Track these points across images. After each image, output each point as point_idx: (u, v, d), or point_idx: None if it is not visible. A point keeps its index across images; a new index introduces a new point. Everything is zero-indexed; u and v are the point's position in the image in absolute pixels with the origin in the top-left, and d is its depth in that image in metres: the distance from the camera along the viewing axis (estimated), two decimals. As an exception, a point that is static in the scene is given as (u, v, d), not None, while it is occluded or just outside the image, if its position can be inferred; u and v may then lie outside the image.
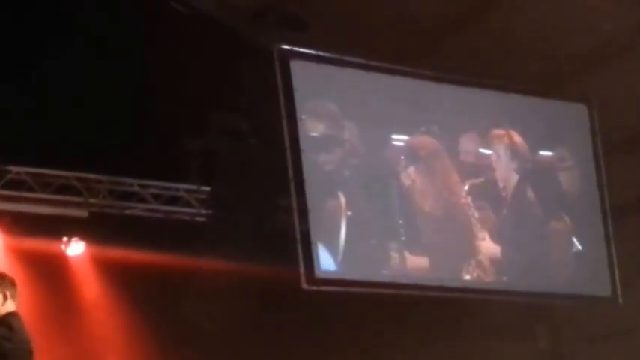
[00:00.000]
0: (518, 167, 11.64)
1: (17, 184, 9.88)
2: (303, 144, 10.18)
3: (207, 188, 10.68)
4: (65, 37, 9.44)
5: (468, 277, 11.09)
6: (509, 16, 10.39)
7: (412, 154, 11.03)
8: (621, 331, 11.71)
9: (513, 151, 11.57)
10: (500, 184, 11.52)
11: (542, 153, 11.91)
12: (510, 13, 10.38)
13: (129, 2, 9.53)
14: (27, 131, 9.25)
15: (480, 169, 11.43)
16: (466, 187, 11.21)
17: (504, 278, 11.34)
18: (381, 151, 10.81)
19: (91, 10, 9.48)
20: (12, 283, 5.83)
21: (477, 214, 11.20)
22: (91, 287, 10.30)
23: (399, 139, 10.97)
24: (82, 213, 10.12)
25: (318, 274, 10.05)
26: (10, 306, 5.74)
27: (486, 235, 11.24)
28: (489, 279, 11.21)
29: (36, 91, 9.43)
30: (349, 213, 10.40)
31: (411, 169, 10.90)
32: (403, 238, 10.74)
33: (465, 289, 11.10)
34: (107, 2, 9.52)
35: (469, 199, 11.20)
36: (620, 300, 11.86)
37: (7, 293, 5.74)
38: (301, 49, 10.20)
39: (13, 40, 9.30)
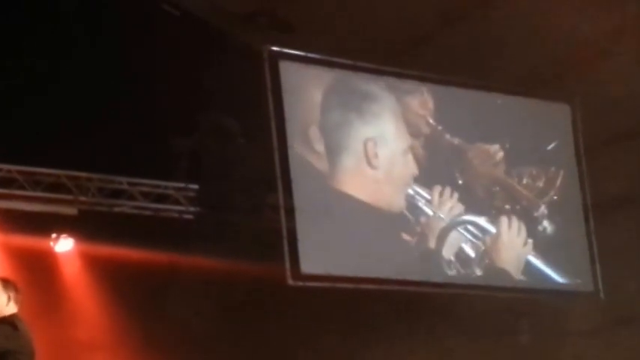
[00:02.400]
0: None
1: (7, 182, 9.93)
2: (291, 143, 10.23)
3: (196, 186, 10.74)
4: (54, 37, 9.45)
5: (451, 272, 11.17)
6: (491, 18, 10.46)
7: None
8: (607, 326, 11.79)
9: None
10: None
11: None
12: (493, 14, 10.45)
13: (120, 3, 9.54)
14: (17, 129, 9.28)
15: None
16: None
17: (486, 274, 11.43)
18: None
19: (81, 10, 9.53)
20: (16, 289, 6.05)
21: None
22: (79, 284, 10.32)
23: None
24: (72, 210, 10.16)
25: (304, 269, 10.11)
26: (12, 308, 5.95)
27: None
28: (472, 274, 11.30)
29: (26, 90, 9.47)
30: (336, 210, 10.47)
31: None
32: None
33: (448, 285, 11.18)
34: (98, 3, 9.54)
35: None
36: (602, 295, 11.99)
37: (11, 295, 5.97)
38: (290, 51, 10.25)
39: (1, 36, 9.34)
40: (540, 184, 11.98)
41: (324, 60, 10.47)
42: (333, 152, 10.52)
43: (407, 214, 10.91)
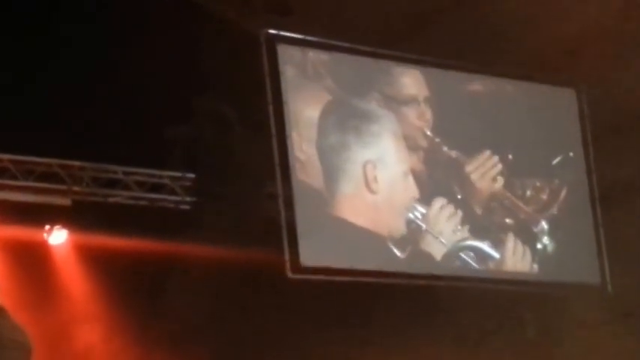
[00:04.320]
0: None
1: (-1, 172, 9.80)
2: (290, 130, 10.10)
3: (192, 175, 10.61)
4: (43, 20, 9.34)
5: (456, 264, 11.03)
6: (494, 1, 10.33)
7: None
8: (614, 320, 11.66)
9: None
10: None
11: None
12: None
13: None
14: (8, 118, 9.09)
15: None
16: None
17: (492, 266, 11.29)
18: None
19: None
20: None
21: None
22: (73, 275, 10.20)
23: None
24: (65, 201, 10.05)
25: (304, 262, 10.00)
26: None
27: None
28: (477, 267, 11.12)
29: (18, 78, 9.32)
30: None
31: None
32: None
33: (453, 278, 11.04)
34: None
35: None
36: (610, 288, 11.86)
37: None
38: (288, 34, 10.16)
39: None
40: (546, 186, 11.88)
41: (322, 43, 10.34)
42: (331, 177, 10.40)
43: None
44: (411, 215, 10.79)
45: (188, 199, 10.60)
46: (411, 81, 11.04)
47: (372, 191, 10.55)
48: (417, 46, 10.83)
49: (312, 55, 10.36)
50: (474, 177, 11.32)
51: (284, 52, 10.09)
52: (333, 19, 10.20)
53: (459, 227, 11.09)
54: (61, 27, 9.38)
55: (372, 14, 10.17)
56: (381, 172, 10.61)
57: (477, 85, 11.50)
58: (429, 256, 10.88)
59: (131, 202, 10.38)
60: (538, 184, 11.81)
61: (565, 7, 10.37)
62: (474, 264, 11.17)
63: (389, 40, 10.63)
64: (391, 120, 10.84)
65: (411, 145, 10.91)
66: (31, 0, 9.41)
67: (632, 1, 10.64)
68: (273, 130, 10.00)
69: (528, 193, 11.72)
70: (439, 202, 10.99)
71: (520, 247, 11.49)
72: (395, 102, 10.89)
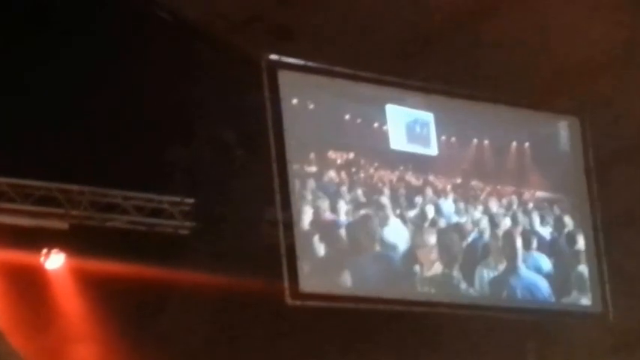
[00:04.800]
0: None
1: (-3, 195, 9.74)
2: (290, 155, 10.04)
3: (192, 200, 10.55)
4: (46, 46, 9.29)
5: (457, 291, 10.93)
6: (499, 29, 10.31)
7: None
8: (616, 348, 11.60)
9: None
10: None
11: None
12: (501, 25, 10.29)
13: (114, 10, 9.38)
14: (6, 141, 9.09)
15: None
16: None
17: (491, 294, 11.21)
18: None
19: (74, 18, 9.35)
20: None
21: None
22: (70, 301, 10.14)
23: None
24: (63, 225, 10.00)
25: (303, 288, 9.92)
26: None
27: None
28: (476, 294, 11.06)
29: (17, 101, 9.28)
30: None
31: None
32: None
33: (451, 305, 10.94)
34: (91, 10, 9.37)
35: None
36: (611, 316, 11.77)
37: None
38: (290, 59, 10.09)
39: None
40: (549, 214, 11.83)
41: (324, 69, 10.28)
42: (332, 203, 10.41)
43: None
44: (411, 242, 10.74)
45: (187, 224, 10.54)
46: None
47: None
48: (418, 72, 10.77)
49: (314, 80, 10.30)
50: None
51: (285, 77, 10.02)
52: (334, 45, 10.15)
53: (461, 256, 11.02)
54: (61, 49, 9.34)
55: (373, 40, 10.14)
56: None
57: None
58: (430, 283, 10.80)
59: (130, 226, 10.32)
60: (541, 213, 11.75)
61: (569, 36, 10.35)
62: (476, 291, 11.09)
63: (391, 67, 10.57)
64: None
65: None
66: (31, 21, 9.33)
67: (638, 30, 10.59)
68: (274, 156, 9.91)
69: (531, 221, 11.67)
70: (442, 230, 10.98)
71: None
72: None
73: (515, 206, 11.55)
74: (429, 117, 11.11)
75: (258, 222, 10.42)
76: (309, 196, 10.23)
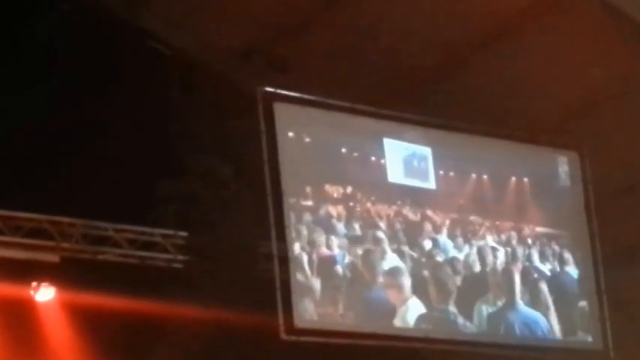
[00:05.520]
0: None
1: (-14, 227, 9.66)
2: (286, 189, 9.93)
3: (185, 233, 10.49)
4: (38, 76, 9.29)
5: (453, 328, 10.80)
6: (497, 63, 10.35)
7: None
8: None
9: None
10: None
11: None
12: (498, 59, 10.33)
13: (107, 41, 9.38)
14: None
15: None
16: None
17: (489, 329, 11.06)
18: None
19: (65, 47, 9.34)
20: None
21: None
22: (60, 335, 10.04)
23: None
24: (54, 257, 9.93)
25: (298, 324, 9.80)
26: None
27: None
28: (474, 329, 10.94)
29: (8, 133, 9.27)
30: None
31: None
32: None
33: (448, 341, 10.81)
34: (83, 40, 9.34)
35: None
36: (612, 354, 11.61)
37: None
38: (286, 92, 9.99)
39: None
40: (547, 250, 11.71)
41: (320, 102, 10.19)
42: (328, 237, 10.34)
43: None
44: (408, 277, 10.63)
45: (180, 257, 10.48)
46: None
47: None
48: (417, 106, 10.72)
49: (310, 113, 10.23)
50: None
51: (281, 110, 9.94)
52: (332, 77, 10.11)
53: (459, 291, 10.91)
54: (52, 81, 9.34)
55: (371, 75, 10.13)
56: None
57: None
58: (427, 319, 10.69)
59: (121, 259, 10.24)
60: (541, 248, 11.64)
61: (569, 70, 10.35)
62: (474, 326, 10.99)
63: (389, 98, 10.52)
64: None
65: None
66: (28, 61, 9.31)
67: (636, 66, 10.59)
68: (269, 190, 9.80)
69: (530, 256, 11.56)
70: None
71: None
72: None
73: (514, 242, 11.47)
74: (426, 151, 11.03)
75: (252, 256, 10.39)
76: (305, 231, 10.11)
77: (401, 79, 10.46)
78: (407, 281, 10.58)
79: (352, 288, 10.26)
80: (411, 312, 10.55)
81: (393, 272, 10.54)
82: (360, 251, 10.41)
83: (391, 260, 10.56)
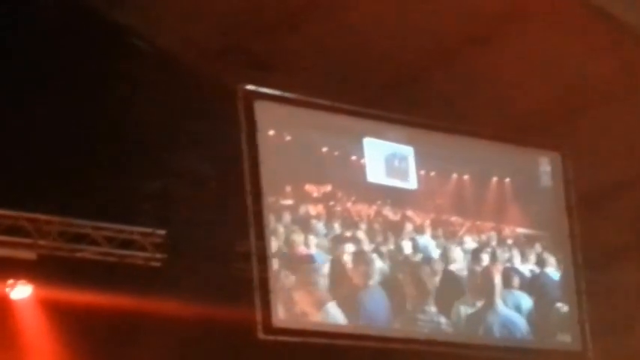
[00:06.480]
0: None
1: (-39, 224, 9.59)
2: (266, 188, 9.93)
3: (163, 232, 10.35)
4: (16, 77, 9.21)
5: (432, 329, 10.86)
6: (480, 64, 10.36)
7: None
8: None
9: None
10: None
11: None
12: (480, 59, 10.34)
13: (85, 39, 9.32)
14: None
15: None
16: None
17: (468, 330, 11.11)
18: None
19: (45, 47, 9.28)
20: None
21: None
22: (37, 333, 9.90)
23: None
24: (31, 255, 9.78)
25: (276, 323, 9.82)
26: None
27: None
28: (452, 330, 10.98)
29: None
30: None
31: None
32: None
33: (429, 342, 10.81)
34: (61, 38, 9.30)
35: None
36: (591, 354, 11.69)
37: None
38: (266, 90, 9.99)
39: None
40: (528, 251, 11.77)
41: (301, 100, 10.19)
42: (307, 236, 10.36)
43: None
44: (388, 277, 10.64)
45: (158, 255, 10.33)
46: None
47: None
48: (400, 105, 10.69)
49: (291, 112, 10.20)
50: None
51: (261, 108, 9.92)
52: (313, 75, 10.08)
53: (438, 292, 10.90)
54: (31, 80, 9.26)
55: (354, 72, 10.11)
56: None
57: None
58: (406, 319, 10.70)
59: (99, 257, 10.09)
60: (521, 249, 11.67)
61: (552, 72, 10.35)
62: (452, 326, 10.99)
63: (370, 98, 10.49)
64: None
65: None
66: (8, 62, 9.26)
67: (624, 68, 10.67)
68: (249, 189, 9.79)
69: (511, 257, 11.56)
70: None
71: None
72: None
73: (494, 242, 11.49)
74: (408, 151, 11.03)
75: (231, 255, 10.31)
76: (284, 230, 10.13)
77: (383, 78, 10.46)
78: (386, 281, 10.61)
79: (330, 288, 10.26)
80: (391, 312, 10.62)
81: (372, 272, 10.54)
82: (339, 251, 10.43)
83: (370, 260, 10.57)
